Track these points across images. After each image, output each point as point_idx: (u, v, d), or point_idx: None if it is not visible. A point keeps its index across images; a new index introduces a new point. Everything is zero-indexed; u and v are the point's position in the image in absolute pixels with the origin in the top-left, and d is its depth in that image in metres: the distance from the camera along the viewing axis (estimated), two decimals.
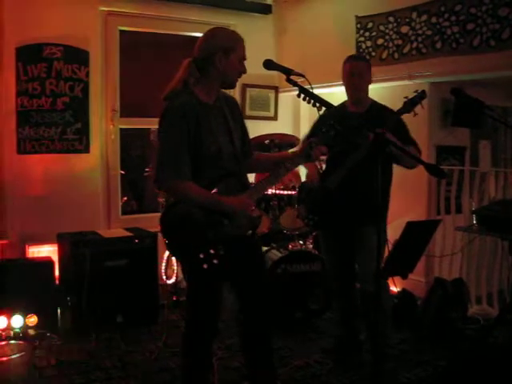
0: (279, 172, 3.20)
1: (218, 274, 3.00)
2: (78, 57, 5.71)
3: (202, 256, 2.90)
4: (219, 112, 3.10)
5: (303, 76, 3.04)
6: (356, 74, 3.94)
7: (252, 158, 3.37)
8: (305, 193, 4.16)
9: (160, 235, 5.24)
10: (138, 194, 7.88)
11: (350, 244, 4.06)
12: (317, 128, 4.18)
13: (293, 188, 5.30)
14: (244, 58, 3.08)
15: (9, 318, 4.60)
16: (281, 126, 6.70)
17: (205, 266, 2.90)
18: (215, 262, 2.91)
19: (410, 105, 3.64)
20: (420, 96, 3.59)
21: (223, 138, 3.06)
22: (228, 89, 3.17)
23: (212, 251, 2.91)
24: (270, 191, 5.22)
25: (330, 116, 3.76)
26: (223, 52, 2.99)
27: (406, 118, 3.86)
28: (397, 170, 3.98)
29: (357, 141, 3.66)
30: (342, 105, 4.10)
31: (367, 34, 5.74)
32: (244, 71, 3.08)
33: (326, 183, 3.91)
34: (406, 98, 3.66)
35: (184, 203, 2.98)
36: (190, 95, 3.01)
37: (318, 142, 3.16)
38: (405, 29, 5.34)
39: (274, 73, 3.22)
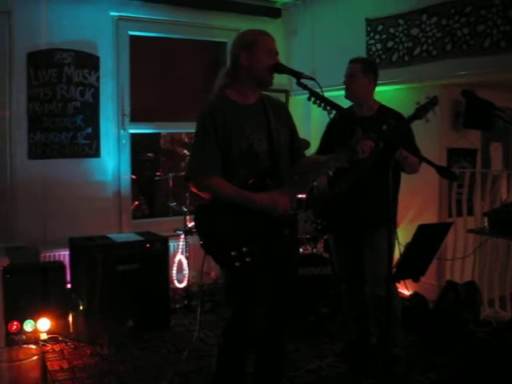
0: (320, 169, 3.24)
1: (253, 273, 2.97)
2: (88, 62, 5.74)
3: (233, 254, 2.89)
4: (259, 112, 3.11)
5: (313, 79, 3.03)
6: (347, 76, 4.00)
7: (303, 160, 3.35)
8: (314, 197, 4.15)
9: (171, 239, 5.34)
10: (149, 198, 7.91)
11: (359, 247, 4.05)
12: (329, 135, 4.17)
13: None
14: (272, 51, 3.06)
15: (21, 322, 4.62)
16: None
17: (237, 264, 2.89)
18: (248, 260, 2.89)
19: (421, 111, 3.61)
20: (432, 102, 3.56)
21: (257, 136, 3.05)
22: (265, 88, 3.13)
23: (245, 249, 2.90)
24: None
25: (341, 120, 3.76)
26: (245, 49, 3.02)
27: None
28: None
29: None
30: (350, 108, 4.09)
31: (377, 36, 5.73)
32: (274, 64, 3.04)
33: (335, 188, 3.90)
34: (417, 103, 3.64)
35: (216, 202, 2.99)
36: (220, 97, 3.08)
37: (369, 137, 3.12)
38: (415, 31, 5.33)
39: (285, 76, 3.22)
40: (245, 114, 3.06)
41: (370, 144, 3.12)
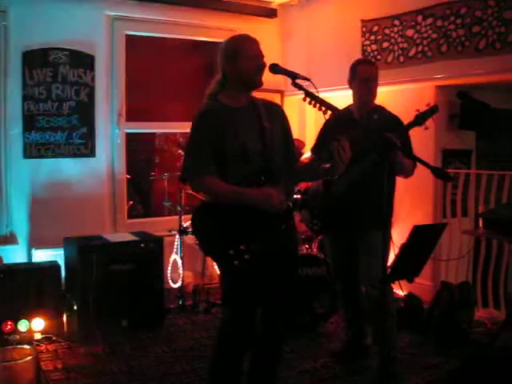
0: (312, 164, 3.24)
1: (252, 271, 2.96)
2: (83, 61, 5.73)
3: (231, 252, 2.90)
4: (250, 113, 3.11)
5: (309, 80, 3.04)
6: (372, 79, 3.94)
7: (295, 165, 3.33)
8: (309, 198, 4.15)
9: (166, 239, 5.33)
10: (143, 198, 7.89)
11: (355, 247, 4.05)
12: (324, 135, 4.16)
13: (297, 192, 5.29)
14: (253, 54, 3.06)
15: (15, 322, 4.61)
16: None
17: (236, 263, 2.90)
18: (246, 257, 2.90)
19: (421, 118, 3.63)
20: (432, 110, 3.58)
21: (250, 135, 3.05)
22: (253, 88, 3.13)
23: (242, 247, 2.90)
24: None
25: (337, 122, 3.75)
26: (229, 59, 3.09)
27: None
28: None
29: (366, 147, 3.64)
30: (347, 110, 4.07)
31: (373, 37, 5.74)
32: (258, 66, 3.05)
33: (331, 189, 3.89)
34: (417, 110, 3.64)
35: (212, 201, 3.01)
36: (214, 101, 3.12)
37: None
38: (410, 32, 5.34)
39: (280, 77, 3.21)
40: (237, 115, 3.08)
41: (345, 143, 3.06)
